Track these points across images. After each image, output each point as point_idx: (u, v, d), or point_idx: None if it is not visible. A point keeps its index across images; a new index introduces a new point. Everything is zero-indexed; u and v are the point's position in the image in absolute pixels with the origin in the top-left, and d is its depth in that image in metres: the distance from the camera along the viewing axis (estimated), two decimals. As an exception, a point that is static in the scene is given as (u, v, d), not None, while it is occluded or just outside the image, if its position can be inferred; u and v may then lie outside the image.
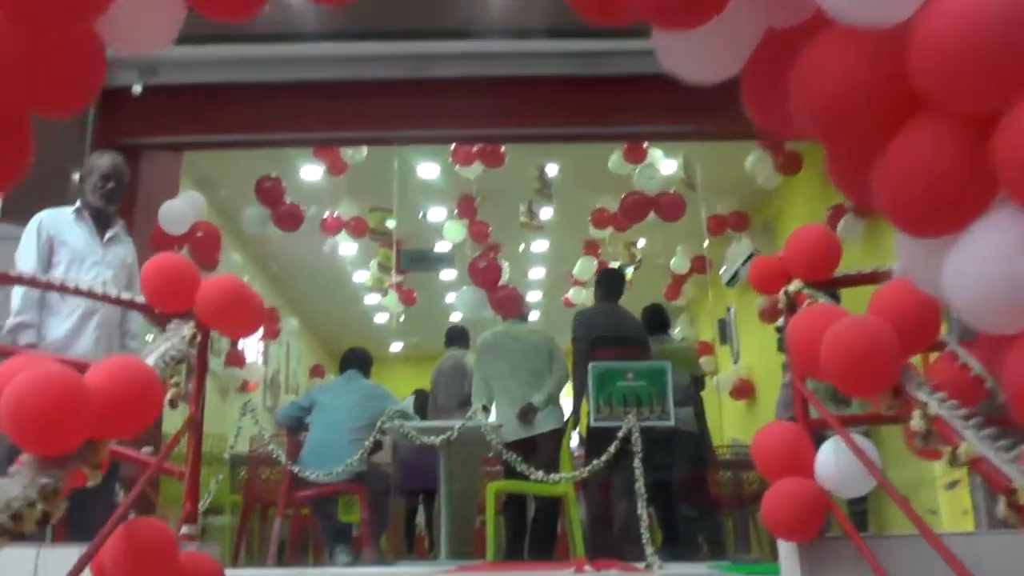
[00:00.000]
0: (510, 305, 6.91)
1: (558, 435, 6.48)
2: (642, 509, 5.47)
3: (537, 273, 11.73)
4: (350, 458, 5.91)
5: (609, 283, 6.86)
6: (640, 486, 5.43)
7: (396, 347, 14.20)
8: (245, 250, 10.71)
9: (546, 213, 9.75)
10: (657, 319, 7.36)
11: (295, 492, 6.20)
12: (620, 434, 5.57)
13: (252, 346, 10.68)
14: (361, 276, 11.49)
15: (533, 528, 6.60)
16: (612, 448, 5.58)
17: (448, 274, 10.53)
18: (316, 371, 14.31)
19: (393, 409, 6.02)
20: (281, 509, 6.29)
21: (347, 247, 10.72)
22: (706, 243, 9.70)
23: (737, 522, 8.37)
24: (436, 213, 9.80)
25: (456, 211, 9.40)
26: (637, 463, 5.44)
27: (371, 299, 12.45)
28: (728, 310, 7.46)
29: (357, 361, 6.69)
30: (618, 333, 6.52)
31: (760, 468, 3.04)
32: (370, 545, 6.07)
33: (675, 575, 5.03)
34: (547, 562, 5.46)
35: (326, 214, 9.54)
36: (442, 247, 9.35)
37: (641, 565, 5.03)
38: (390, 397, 6.51)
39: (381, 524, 6.39)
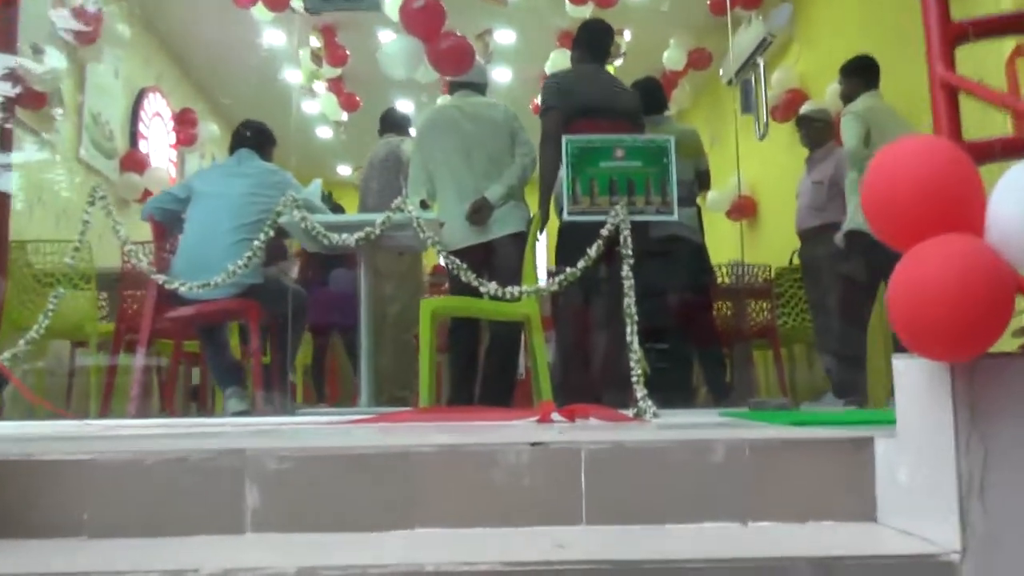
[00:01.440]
0: (457, 62, 5.15)
1: (520, 241, 4.87)
2: (632, 336, 3.93)
3: (501, 75, 9.86)
4: (233, 263, 4.26)
5: (590, 39, 5.15)
6: (631, 304, 3.89)
7: (344, 170, 12.44)
8: (157, 42, 8.83)
9: (512, -13, 7.92)
10: (652, 95, 5.66)
11: (163, 314, 4.57)
12: (604, 231, 3.98)
13: (160, 151, 8.89)
14: (295, 76, 9.60)
15: (486, 366, 5.04)
16: (592, 251, 4.00)
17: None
18: (251, 194, 12.55)
19: (293, 197, 4.32)
20: (145, 337, 4.64)
21: (273, 34, 8.87)
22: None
23: (738, 364, 6.86)
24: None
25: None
26: (626, 272, 3.88)
27: (311, 107, 10.55)
28: (756, 63, 5.72)
29: (252, 138, 4.98)
30: (603, 104, 4.85)
31: (880, 221, 1.43)
32: (261, 385, 4.49)
33: (677, 424, 3.58)
34: (502, 409, 3.86)
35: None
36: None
37: (629, 413, 3.55)
38: (291, 183, 4.83)
39: (283, 356, 4.79)
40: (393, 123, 6.20)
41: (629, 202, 4.18)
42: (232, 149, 4.99)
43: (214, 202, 4.66)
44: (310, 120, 10.76)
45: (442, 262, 4.22)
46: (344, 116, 9.75)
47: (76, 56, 7.12)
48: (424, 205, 5.00)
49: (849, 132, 5.18)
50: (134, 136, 8.26)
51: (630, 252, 3.99)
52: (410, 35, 5.18)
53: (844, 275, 5.26)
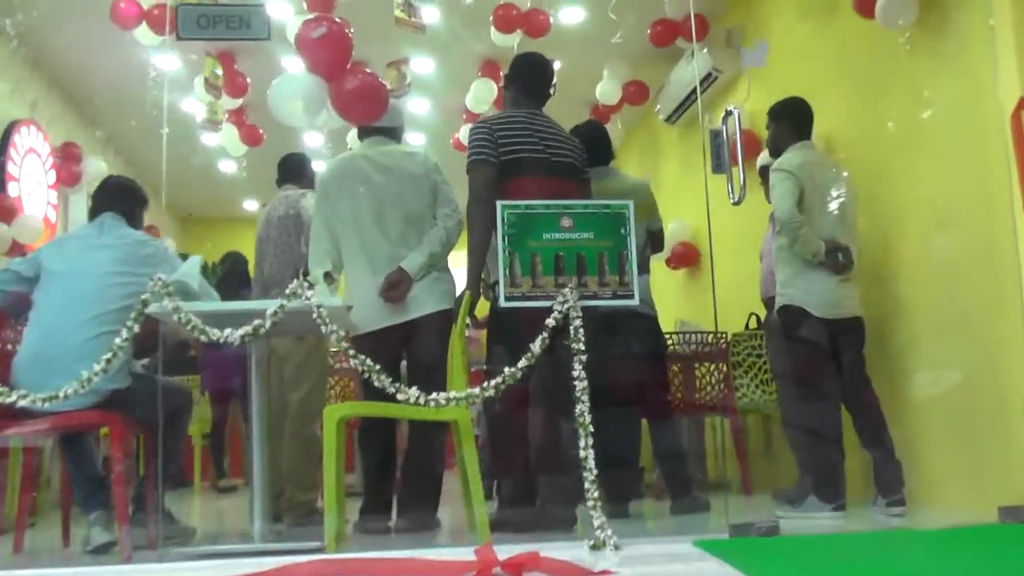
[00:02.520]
0: (367, 106, 4.28)
1: (445, 320, 4.07)
2: (586, 451, 3.27)
3: (418, 105, 9.02)
4: (89, 365, 3.39)
5: (527, 76, 4.39)
6: (584, 413, 3.21)
7: (251, 205, 11.48)
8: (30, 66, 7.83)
9: (430, 13, 7.09)
10: (597, 144, 4.91)
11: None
12: (550, 321, 3.35)
13: (36, 193, 7.88)
14: (192, 105, 8.64)
15: (405, 468, 4.23)
16: (536, 346, 3.26)
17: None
18: (150, 233, 11.48)
19: (162, 280, 3.44)
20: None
21: (165, 59, 7.93)
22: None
23: (691, 441, 6.14)
24: (274, 7, 7.05)
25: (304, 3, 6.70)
26: (579, 371, 3.29)
27: (210, 139, 9.57)
28: (729, 112, 4.94)
29: (117, 199, 4.10)
30: (544, 157, 4.08)
31: None
32: (127, 518, 3.61)
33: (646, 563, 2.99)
34: (429, 562, 3.02)
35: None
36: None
37: (584, 544, 2.85)
38: (165, 257, 3.97)
39: (158, 472, 3.91)
40: (293, 171, 5.30)
41: (579, 284, 3.47)
42: (93, 213, 4.09)
43: (69, 283, 3.76)
44: (212, 152, 9.80)
45: (352, 362, 3.40)
46: (244, 149, 8.82)
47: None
48: (329, 279, 4.18)
49: (781, 194, 4.53)
50: (1, 178, 7.24)
51: (582, 347, 3.28)
52: (310, 72, 4.26)
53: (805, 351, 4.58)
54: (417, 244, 4.17)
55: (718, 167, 4.61)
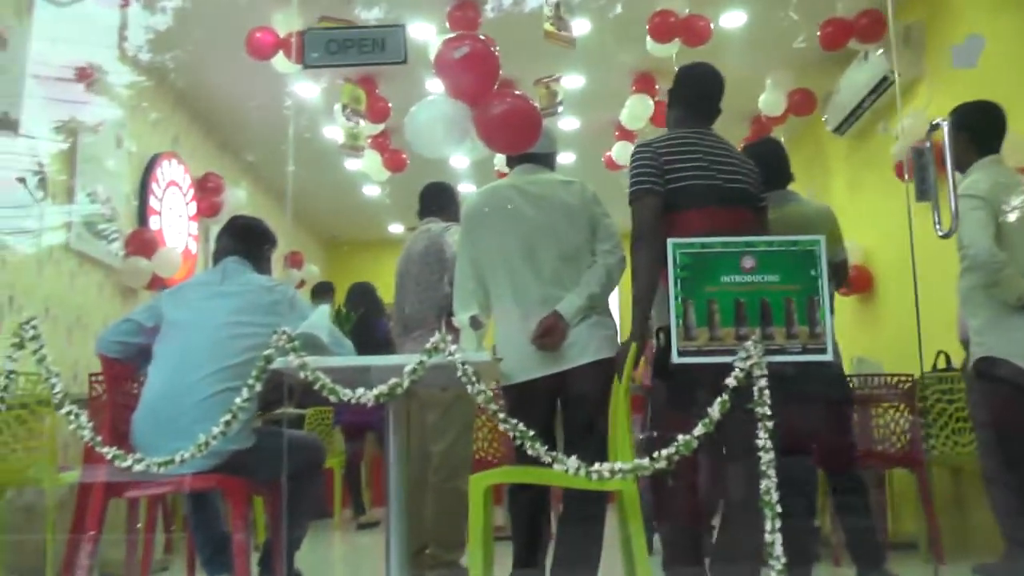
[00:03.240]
0: (517, 132, 3.79)
1: (606, 371, 3.56)
2: (774, 535, 2.72)
3: (568, 124, 8.57)
4: (208, 428, 3.04)
5: (695, 92, 3.82)
6: (770, 490, 2.75)
7: (396, 228, 11.27)
8: (172, 100, 7.68)
9: (581, 25, 6.64)
10: (775, 165, 4.35)
11: (113, 491, 3.34)
12: (730, 381, 2.87)
13: (178, 225, 7.73)
14: (333, 132, 8.39)
15: (561, 535, 3.75)
16: (715, 410, 2.88)
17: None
18: (294, 260, 11.35)
19: (287, 335, 3.05)
20: (95, 520, 3.36)
21: (305, 87, 7.71)
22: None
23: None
24: (416, 28, 6.71)
25: (447, 23, 6.34)
26: (764, 440, 2.85)
27: (353, 164, 9.31)
28: (936, 126, 4.09)
29: (240, 242, 3.75)
30: (718, 184, 3.56)
31: None
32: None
33: None
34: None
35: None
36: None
37: None
38: (292, 305, 3.59)
39: (286, 536, 3.54)
40: (436, 202, 4.89)
41: (764, 335, 2.93)
42: (216, 257, 3.75)
43: (188, 334, 3.43)
44: (355, 177, 9.57)
45: (501, 426, 2.95)
46: (386, 174, 8.53)
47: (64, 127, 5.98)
48: (475, 323, 3.74)
49: (974, 227, 3.82)
50: (143, 212, 7.08)
51: (768, 411, 2.77)
52: (451, 96, 3.81)
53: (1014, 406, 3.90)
54: (574, 284, 3.68)
55: (923, 192, 3.87)
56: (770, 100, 7.32)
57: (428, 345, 2.99)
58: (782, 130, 7.98)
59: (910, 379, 5.31)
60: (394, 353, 4.81)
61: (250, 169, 9.65)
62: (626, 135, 7.96)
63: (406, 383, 2.96)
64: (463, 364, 2.94)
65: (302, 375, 3.02)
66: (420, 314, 4.57)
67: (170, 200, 7.54)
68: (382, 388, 2.97)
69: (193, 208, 8.03)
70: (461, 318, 3.77)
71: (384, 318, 7.01)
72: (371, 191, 10.23)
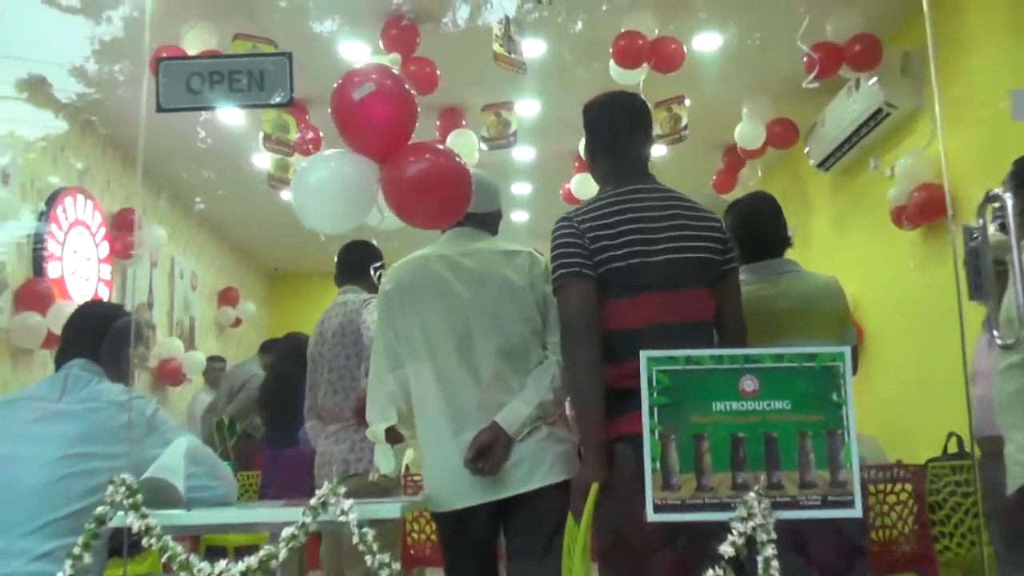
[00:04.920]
0: (438, 200, 2.82)
1: (561, 499, 2.73)
2: None
3: (523, 154, 7.79)
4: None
5: (614, 129, 2.91)
6: None
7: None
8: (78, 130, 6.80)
9: (535, 46, 5.86)
10: (766, 223, 3.55)
11: None
12: (726, 548, 2.08)
13: (85, 271, 6.85)
14: (263, 160, 7.55)
15: None
16: None
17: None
18: (228, 296, 10.51)
19: (125, 483, 2.21)
20: None
21: (227, 112, 6.86)
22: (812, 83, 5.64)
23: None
24: (348, 48, 5.91)
25: (381, 42, 5.54)
26: None
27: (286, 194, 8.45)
28: (992, 198, 3.12)
29: (88, 333, 2.87)
30: (659, 255, 2.72)
31: None
32: None
33: None
34: None
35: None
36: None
37: None
38: (152, 426, 2.72)
39: None
40: (355, 267, 4.05)
41: (771, 484, 2.14)
42: (57, 360, 2.86)
43: (7, 475, 2.55)
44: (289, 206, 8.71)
45: None
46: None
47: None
48: (394, 437, 2.93)
49: None
50: (39, 258, 6.20)
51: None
52: (354, 151, 2.86)
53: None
54: (519, 387, 2.88)
55: (978, 289, 2.96)
56: (747, 131, 6.58)
57: (313, 500, 2.17)
58: (759, 163, 7.27)
59: (917, 470, 4.56)
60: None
61: (177, 201, 8.79)
62: (586, 167, 7.18)
63: (282, 553, 2.14)
64: (359, 528, 2.13)
65: (145, 541, 2.19)
66: (336, 406, 3.75)
67: (76, 242, 6.65)
68: (251, 561, 2.14)
69: (105, 249, 7.15)
70: (375, 430, 2.96)
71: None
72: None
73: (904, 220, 5.49)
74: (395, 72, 2.83)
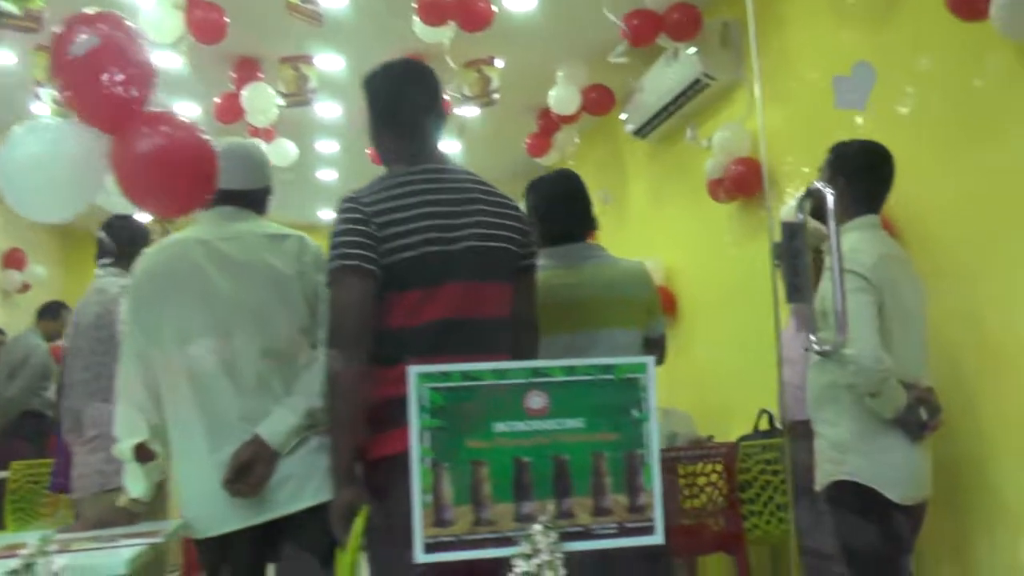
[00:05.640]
0: (174, 184, 2.29)
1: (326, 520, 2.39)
2: None
3: (329, 110, 7.32)
4: None
5: (398, 102, 2.55)
6: None
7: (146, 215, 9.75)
8: None
9: (337, -3, 5.44)
10: (573, 207, 3.28)
11: None
12: None
13: None
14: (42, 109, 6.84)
15: None
16: None
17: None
18: (13, 259, 9.63)
19: None
20: None
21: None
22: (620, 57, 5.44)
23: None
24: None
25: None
26: None
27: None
28: (810, 194, 2.89)
29: None
30: (454, 243, 2.41)
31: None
32: None
33: None
34: None
35: None
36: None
37: None
38: None
39: None
40: (119, 243, 3.59)
41: (561, 512, 1.86)
42: None
43: None
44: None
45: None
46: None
47: None
48: (144, 455, 2.53)
49: (859, 316, 2.79)
50: None
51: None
52: (79, 120, 2.33)
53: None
54: (285, 392, 2.53)
55: (796, 291, 2.75)
56: (562, 96, 6.32)
57: (19, 558, 1.77)
58: (576, 128, 7.04)
59: (729, 447, 4.46)
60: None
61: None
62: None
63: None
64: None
65: None
66: (93, 410, 3.30)
67: None
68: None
69: None
70: (122, 448, 2.55)
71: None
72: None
73: (721, 193, 5.34)
74: (125, 21, 2.33)
